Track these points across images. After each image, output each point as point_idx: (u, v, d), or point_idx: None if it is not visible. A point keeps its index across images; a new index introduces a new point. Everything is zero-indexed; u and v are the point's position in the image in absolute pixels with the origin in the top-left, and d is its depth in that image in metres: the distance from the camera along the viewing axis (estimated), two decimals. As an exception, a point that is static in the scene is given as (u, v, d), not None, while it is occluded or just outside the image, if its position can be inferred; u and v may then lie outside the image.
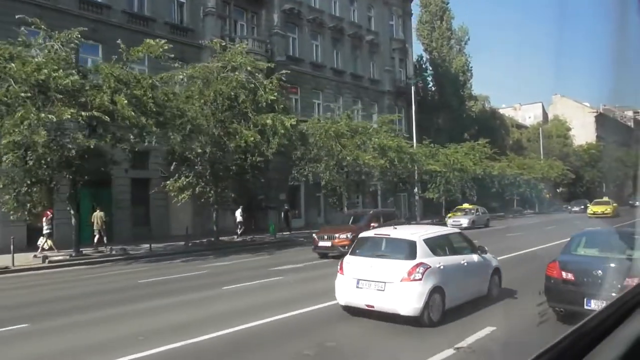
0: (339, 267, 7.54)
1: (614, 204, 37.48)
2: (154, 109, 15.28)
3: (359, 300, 7.03)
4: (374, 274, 6.91)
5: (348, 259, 7.52)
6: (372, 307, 6.86)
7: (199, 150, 19.14)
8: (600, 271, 6.30)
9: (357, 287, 7.03)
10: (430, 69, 46.94)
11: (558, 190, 73.76)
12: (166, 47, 16.11)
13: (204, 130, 18.72)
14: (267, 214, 27.36)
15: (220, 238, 21.11)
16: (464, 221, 28.74)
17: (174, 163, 19.89)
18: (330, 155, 25.18)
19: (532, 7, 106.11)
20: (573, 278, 6.52)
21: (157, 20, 24.12)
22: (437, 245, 7.37)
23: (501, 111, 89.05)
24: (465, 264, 7.68)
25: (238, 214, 23.57)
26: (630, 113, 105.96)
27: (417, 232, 7.59)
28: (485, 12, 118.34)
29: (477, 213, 31.72)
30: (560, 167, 50.91)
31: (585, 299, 6.18)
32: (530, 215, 46.27)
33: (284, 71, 20.75)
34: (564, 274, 6.60)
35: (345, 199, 27.71)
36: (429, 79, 47.06)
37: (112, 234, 20.17)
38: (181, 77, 18.77)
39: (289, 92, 29.52)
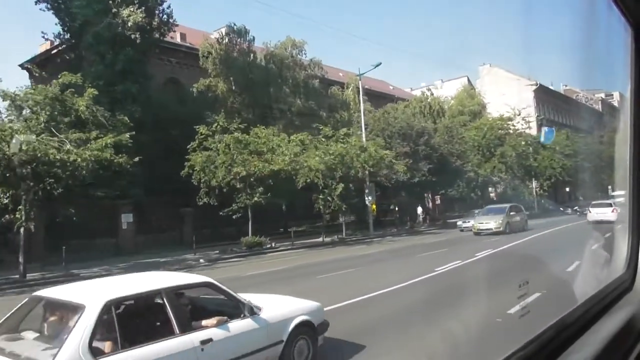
0: (588, 210, 23.61)
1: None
2: None
3: (597, 218, 20.60)
4: (602, 211, 20.76)
5: (590, 209, 23.43)
6: (602, 220, 18.70)
7: None
8: None
9: (596, 215, 21.26)
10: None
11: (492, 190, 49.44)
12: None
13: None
14: None
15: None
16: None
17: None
18: None
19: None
20: None
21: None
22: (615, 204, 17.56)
23: (415, 92, 64.80)
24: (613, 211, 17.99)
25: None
26: (601, 95, 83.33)
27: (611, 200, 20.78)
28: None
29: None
30: (374, 153, 25.84)
31: None
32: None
33: None
34: None
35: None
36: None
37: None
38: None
39: None
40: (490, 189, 50.14)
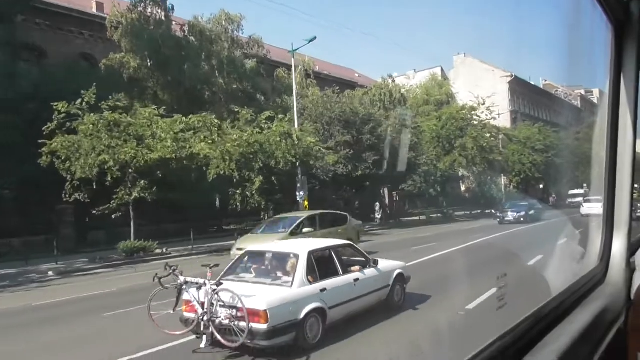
0: (580, 206, 23.73)
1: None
2: None
3: (588, 212, 16.84)
4: (592, 205, 14.19)
5: (583, 204, 23.92)
6: (592, 213, 14.74)
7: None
8: None
9: (588, 209, 18.16)
10: None
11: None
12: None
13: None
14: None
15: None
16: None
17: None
18: None
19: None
20: None
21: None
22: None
23: (375, 80, 60.79)
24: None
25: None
26: (581, 92, 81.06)
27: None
28: None
29: None
30: (297, 141, 21.90)
31: None
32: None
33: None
34: None
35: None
36: None
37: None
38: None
39: None
40: (461, 183, 46.85)
